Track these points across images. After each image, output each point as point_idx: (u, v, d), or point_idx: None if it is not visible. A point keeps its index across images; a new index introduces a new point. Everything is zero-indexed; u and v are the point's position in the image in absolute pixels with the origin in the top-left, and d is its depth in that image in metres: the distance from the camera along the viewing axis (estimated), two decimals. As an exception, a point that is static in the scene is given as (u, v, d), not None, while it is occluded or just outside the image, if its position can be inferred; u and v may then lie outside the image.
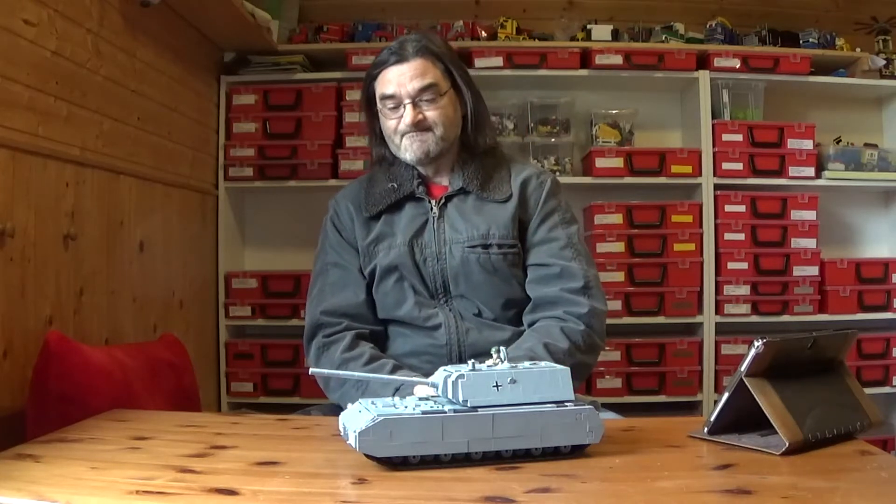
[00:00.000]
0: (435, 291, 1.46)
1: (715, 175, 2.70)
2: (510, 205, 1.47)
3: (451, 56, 1.51)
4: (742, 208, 2.69)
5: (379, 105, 1.48)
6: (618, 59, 2.71)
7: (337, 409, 1.20)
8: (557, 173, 2.68)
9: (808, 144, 2.72)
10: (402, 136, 1.46)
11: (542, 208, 1.49)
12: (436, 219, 1.48)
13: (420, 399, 1.02)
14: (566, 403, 0.99)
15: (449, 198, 1.49)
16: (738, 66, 2.73)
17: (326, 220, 1.57)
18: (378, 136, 1.54)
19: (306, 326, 1.49)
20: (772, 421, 1.00)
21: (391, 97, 1.45)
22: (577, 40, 2.84)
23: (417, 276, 1.45)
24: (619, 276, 2.65)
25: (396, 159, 1.53)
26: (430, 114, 1.45)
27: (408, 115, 1.43)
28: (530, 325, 1.44)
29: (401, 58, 1.44)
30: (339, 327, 1.45)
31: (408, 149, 1.46)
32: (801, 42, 2.86)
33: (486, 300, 1.45)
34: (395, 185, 1.50)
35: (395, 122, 1.46)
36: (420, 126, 1.44)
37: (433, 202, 1.49)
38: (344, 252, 1.52)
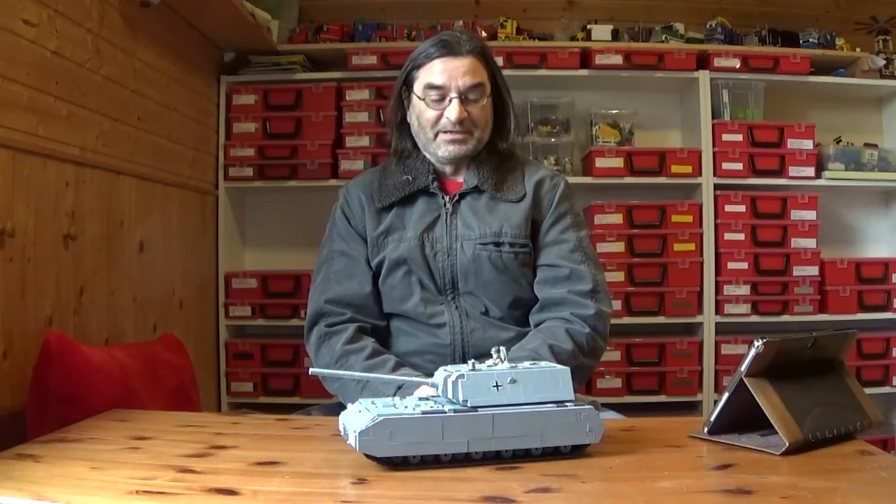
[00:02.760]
0: (443, 287, 1.45)
1: (715, 175, 2.70)
2: (523, 205, 1.47)
3: (494, 60, 1.52)
4: (742, 208, 2.69)
5: (420, 94, 1.46)
6: (618, 59, 2.71)
7: (337, 410, 1.20)
8: (557, 173, 2.68)
9: (808, 144, 2.72)
10: (441, 131, 1.46)
11: (554, 210, 1.49)
12: (449, 214, 1.47)
13: (420, 399, 1.02)
14: (566, 403, 0.99)
15: (463, 195, 1.49)
16: (738, 66, 2.73)
17: (336, 207, 1.56)
18: (399, 126, 1.54)
19: (308, 314, 1.48)
20: (772, 421, 1.00)
21: (438, 88, 1.44)
22: (577, 40, 2.84)
23: (426, 270, 1.45)
24: (619, 276, 2.65)
25: (413, 152, 1.53)
26: (475, 113, 1.45)
27: (454, 109, 1.43)
28: (536, 325, 1.44)
29: (452, 51, 1.44)
30: (342, 317, 1.44)
31: (441, 146, 1.46)
32: (801, 42, 2.86)
33: (494, 298, 1.45)
34: (410, 178, 1.50)
35: (436, 115, 1.45)
36: (463, 125, 1.44)
37: (447, 198, 1.49)
38: (352, 241, 1.51)
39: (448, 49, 1.44)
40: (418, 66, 1.47)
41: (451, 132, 1.45)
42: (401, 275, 1.46)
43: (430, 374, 1.08)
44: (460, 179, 1.51)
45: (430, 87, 1.44)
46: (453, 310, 1.44)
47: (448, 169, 1.52)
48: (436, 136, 1.46)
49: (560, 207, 1.50)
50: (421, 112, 1.47)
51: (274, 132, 2.71)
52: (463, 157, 1.48)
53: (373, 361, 1.36)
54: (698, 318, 2.68)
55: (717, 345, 2.67)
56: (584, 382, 1.36)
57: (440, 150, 1.47)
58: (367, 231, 1.50)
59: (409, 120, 1.52)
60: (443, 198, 1.49)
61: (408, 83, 1.50)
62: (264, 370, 2.63)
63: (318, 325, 1.45)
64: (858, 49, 2.85)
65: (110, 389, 1.45)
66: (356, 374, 1.31)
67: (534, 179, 1.51)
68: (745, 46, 2.84)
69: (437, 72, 1.44)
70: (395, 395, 1.21)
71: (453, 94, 1.43)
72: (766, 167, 2.71)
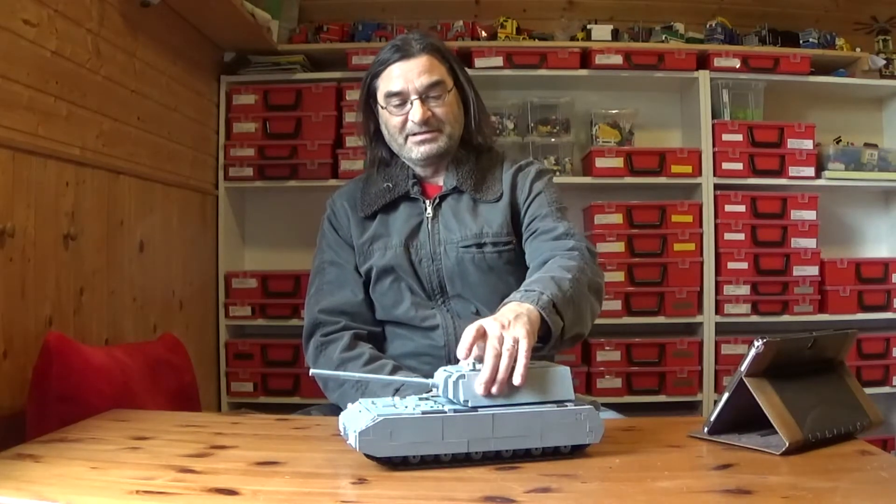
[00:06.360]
0: (432, 292, 1.45)
1: (715, 175, 2.70)
2: (502, 203, 1.47)
3: (453, 54, 1.52)
4: (742, 208, 2.69)
5: (382, 103, 1.47)
6: (618, 59, 2.71)
7: (337, 409, 1.20)
8: (557, 173, 2.68)
9: (808, 144, 2.72)
10: (409, 135, 1.45)
11: (530, 191, 1.48)
12: (430, 219, 1.47)
13: (420, 399, 1.02)
14: (566, 403, 0.99)
15: (443, 197, 1.49)
16: (738, 66, 2.73)
17: (324, 218, 1.57)
18: (373, 137, 1.54)
19: (305, 325, 1.49)
20: (772, 421, 1.00)
21: (398, 94, 1.43)
22: (577, 40, 2.84)
23: (414, 276, 1.45)
24: (619, 276, 2.65)
25: (393, 159, 1.53)
26: (439, 111, 1.44)
27: (417, 111, 1.42)
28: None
29: (406, 54, 1.43)
30: (337, 326, 1.44)
31: (413, 149, 1.46)
32: (801, 42, 2.87)
33: (483, 299, 1.44)
34: (391, 185, 1.50)
35: (402, 120, 1.45)
36: (429, 124, 1.44)
37: (428, 202, 1.49)
38: (341, 251, 1.52)
39: (401, 52, 1.44)
40: (377, 76, 1.47)
41: (419, 133, 1.44)
42: (389, 282, 1.46)
43: (428, 376, 1.09)
44: (440, 182, 1.51)
45: (390, 94, 1.44)
46: (444, 312, 1.44)
47: (427, 172, 1.52)
48: (406, 140, 1.46)
49: (534, 188, 1.48)
50: (387, 120, 1.47)
51: (274, 132, 2.71)
52: (437, 156, 1.47)
53: (370, 367, 1.36)
54: (698, 318, 2.68)
55: (717, 345, 2.67)
56: (600, 301, 1.30)
57: (413, 152, 1.46)
58: (354, 239, 1.50)
59: (381, 129, 1.52)
60: (424, 202, 1.49)
61: (371, 94, 1.50)
62: (264, 370, 2.63)
63: (314, 336, 1.45)
64: (858, 49, 2.86)
65: (110, 389, 1.45)
66: (356, 374, 1.32)
67: (509, 174, 1.51)
68: (745, 46, 2.84)
69: (394, 77, 1.43)
70: (393, 396, 1.21)
71: (413, 97, 1.42)
72: (766, 167, 2.71)
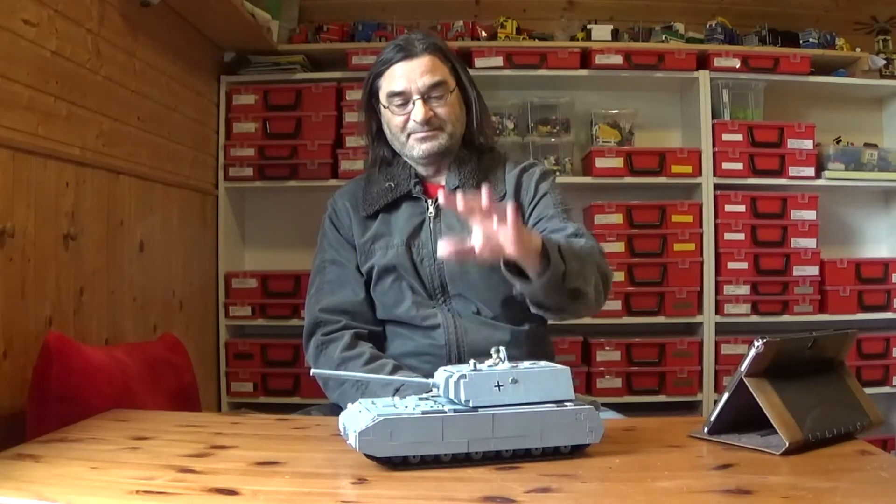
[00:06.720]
0: (433, 291, 1.46)
1: (715, 175, 2.70)
2: (504, 203, 1.47)
3: (455, 54, 1.52)
4: (742, 208, 2.69)
5: (385, 102, 1.47)
6: (618, 59, 2.71)
7: (337, 409, 1.20)
8: (557, 173, 2.68)
9: (808, 144, 2.72)
10: (411, 134, 1.46)
11: (535, 192, 1.49)
12: (432, 218, 1.47)
13: (420, 399, 1.02)
14: (566, 403, 0.99)
15: None
16: (738, 66, 2.73)
17: (325, 217, 1.57)
18: (376, 136, 1.54)
19: (305, 324, 1.49)
20: (772, 421, 1.00)
21: (400, 94, 1.44)
22: (577, 40, 2.84)
23: (415, 276, 1.45)
24: (619, 276, 2.65)
25: (395, 159, 1.53)
26: (441, 111, 1.45)
27: (419, 111, 1.43)
28: None
29: (409, 54, 1.44)
30: (337, 325, 1.45)
31: (415, 146, 1.46)
32: (801, 42, 2.87)
33: (484, 299, 1.45)
34: (392, 185, 1.50)
35: (404, 119, 1.45)
36: (431, 124, 1.44)
37: (430, 202, 1.49)
38: (342, 250, 1.52)
39: (404, 52, 1.44)
40: (379, 75, 1.48)
41: (420, 132, 1.45)
42: (390, 281, 1.46)
43: (428, 375, 1.09)
44: (442, 182, 1.51)
45: (393, 94, 1.45)
46: (445, 312, 1.44)
47: (429, 171, 1.52)
48: (407, 138, 1.46)
49: (540, 189, 1.49)
50: (389, 119, 1.48)
51: (274, 132, 2.71)
52: (438, 154, 1.47)
53: (371, 367, 1.36)
54: (698, 318, 2.68)
55: (717, 345, 2.67)
56: (606, 293, 1.34)
57: (414, 150, 1.47)
58: (355, 238, 1.51)
59: (383, 129, 1.52)
60: (426, 202, 1.49)
61: (374, 93, 1.50)
62: (264, 370, 2.63)
63: (315, 335, 1.45)
64: (858, 49, 2.86)
65: (110, 389, 1.45)
66: (356, 374, 1.32)
67: (513, 174, 1.51)
68: (745, 46, 2.84)
69: (397, 77, 1.44)
70: (393, 396, 1.21)
71: (416, 97, 1.43)
72: (766, 167, 2.71)
